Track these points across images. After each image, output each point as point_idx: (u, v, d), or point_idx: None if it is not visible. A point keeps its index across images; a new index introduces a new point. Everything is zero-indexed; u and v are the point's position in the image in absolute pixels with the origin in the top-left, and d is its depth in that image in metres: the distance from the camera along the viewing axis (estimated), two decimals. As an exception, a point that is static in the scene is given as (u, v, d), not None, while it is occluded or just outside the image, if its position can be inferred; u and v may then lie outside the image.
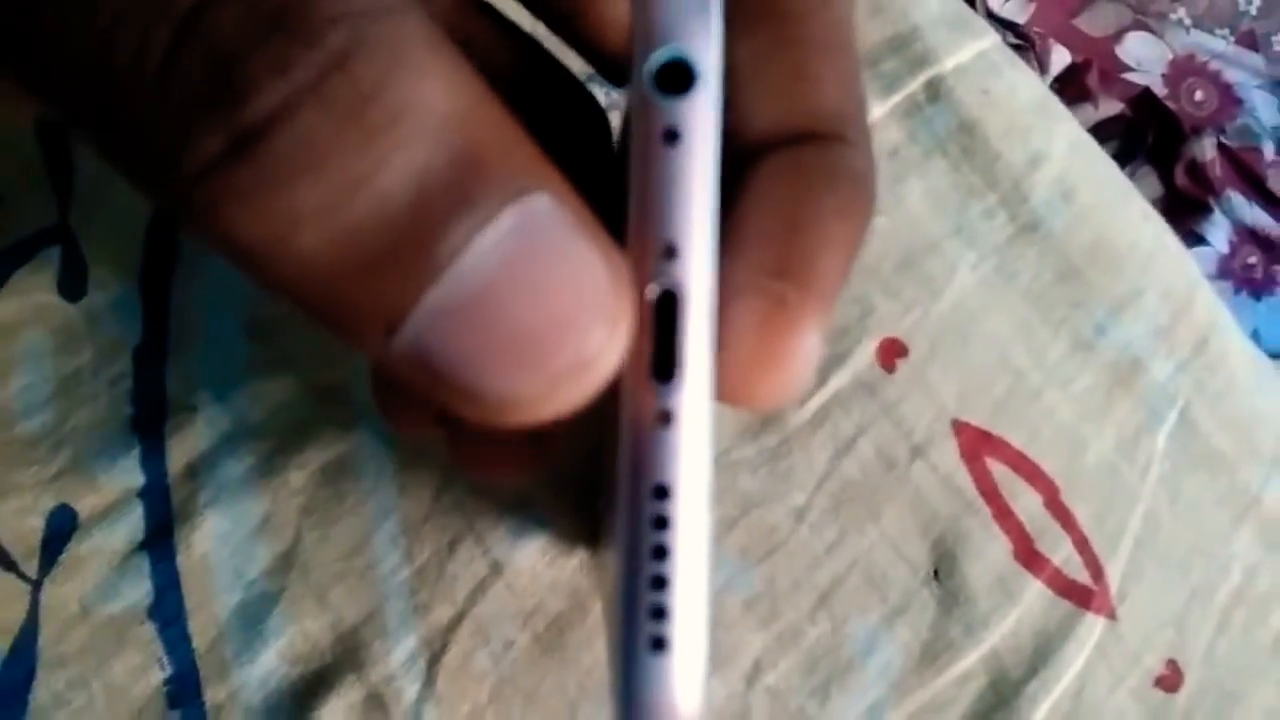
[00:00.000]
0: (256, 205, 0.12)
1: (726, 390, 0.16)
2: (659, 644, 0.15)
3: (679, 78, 0.15)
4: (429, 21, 0.12)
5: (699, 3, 0.15)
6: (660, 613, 0.15)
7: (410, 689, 0.27)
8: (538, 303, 0.13)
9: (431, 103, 0.12)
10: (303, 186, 0.12)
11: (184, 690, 0.26)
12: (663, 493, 0.15)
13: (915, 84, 0.35)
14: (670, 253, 0.15)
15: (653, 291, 0.15)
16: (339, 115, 0.12)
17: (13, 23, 0.12)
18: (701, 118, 0.15)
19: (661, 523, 0.15)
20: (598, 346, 0.13)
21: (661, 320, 0.15)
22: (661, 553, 0.15)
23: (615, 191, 0.16)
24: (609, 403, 0.18)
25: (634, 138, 0.15)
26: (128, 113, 0.12)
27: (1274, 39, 0.66)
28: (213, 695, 0.26)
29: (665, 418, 0.15)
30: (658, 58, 0.15)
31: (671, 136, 0.15)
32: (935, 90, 0.35)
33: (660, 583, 0.15)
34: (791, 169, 0.17)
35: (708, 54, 0.15)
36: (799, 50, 0.18)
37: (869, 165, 0.18)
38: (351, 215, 0.12)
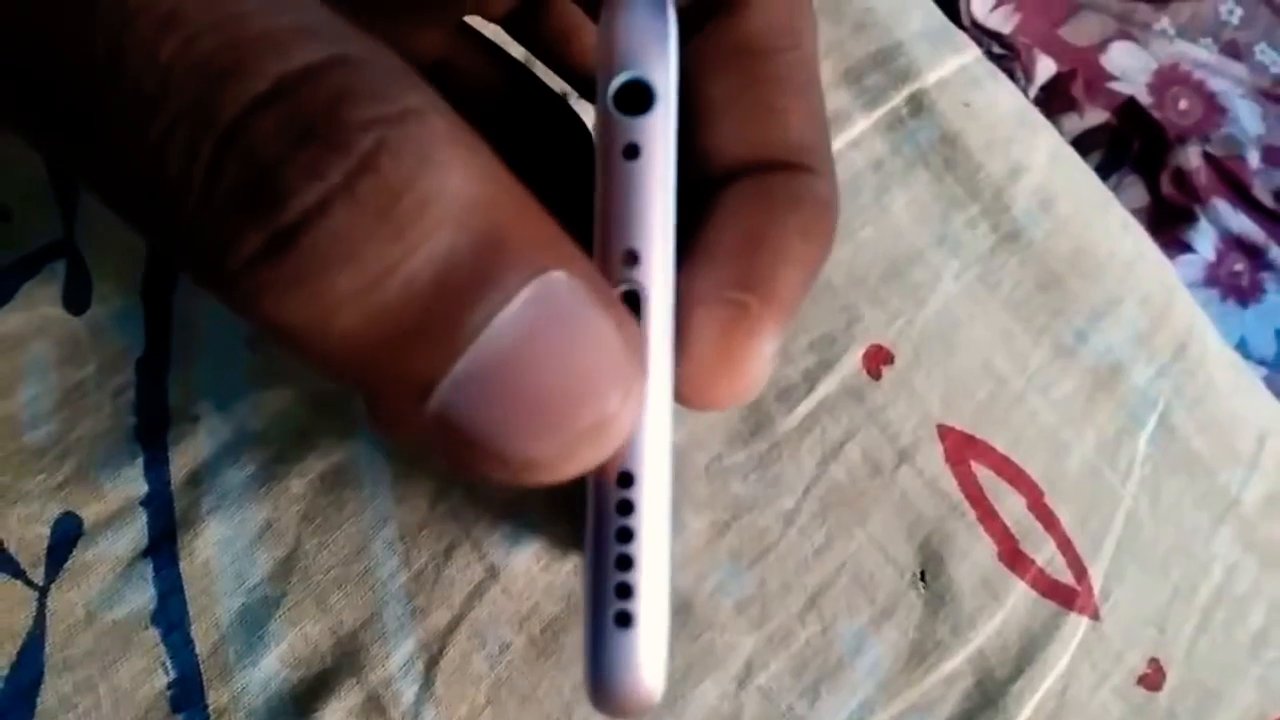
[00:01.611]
0: (296, 294, 0.13)
1: (688, 391, 0.17)
2: (624, 619, 0.17)
3: (638, 99, 0.16)
4: (453, 116, 0.13)
5: (657, 32, 0.16)
6: (626, 591, 0.17)
7: (409, 691, 0.27)
8: (557, 371, 0.14)
9: (455, 192, 0.13)
10: (338, 275, 0.13)
11: (187, 694, 0.27)
12: (628, 480, 0.16)
13: (898, 98, 0.36)
14: (632, 258, 0.16)
15: (617, 294, 0.16)
16: (370, 211, 0.13)
17: (72, 136, 0.13)
18: (659, 134, 0.16)
19: (626, 507, 0.16)
20: (615, 409, 0.14)
21: None
22: (627, 535, 0.17)
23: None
24: None
25: (597, 153, 0.16)
26: (176, 215, 0.13)
27: (1256, 49, 0.67)
28: (215, 699, 0.27)
29: None
30: (619, 80, 0.16)
31: (632, 151, 0.16)
32: (918, 104, 0.36)
33: (625, 562, 0.17)
34: (758, 192, 0.18)
35: (665, 77, 0.16)
36: (768, 87, 0.19)
37: (832, 193, 0.19)
38: (384, 298, 0.13)
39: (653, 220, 0.16)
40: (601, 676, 0.17)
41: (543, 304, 0.14)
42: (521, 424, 0.14)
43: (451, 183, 0.13)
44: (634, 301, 0.16)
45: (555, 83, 0.25)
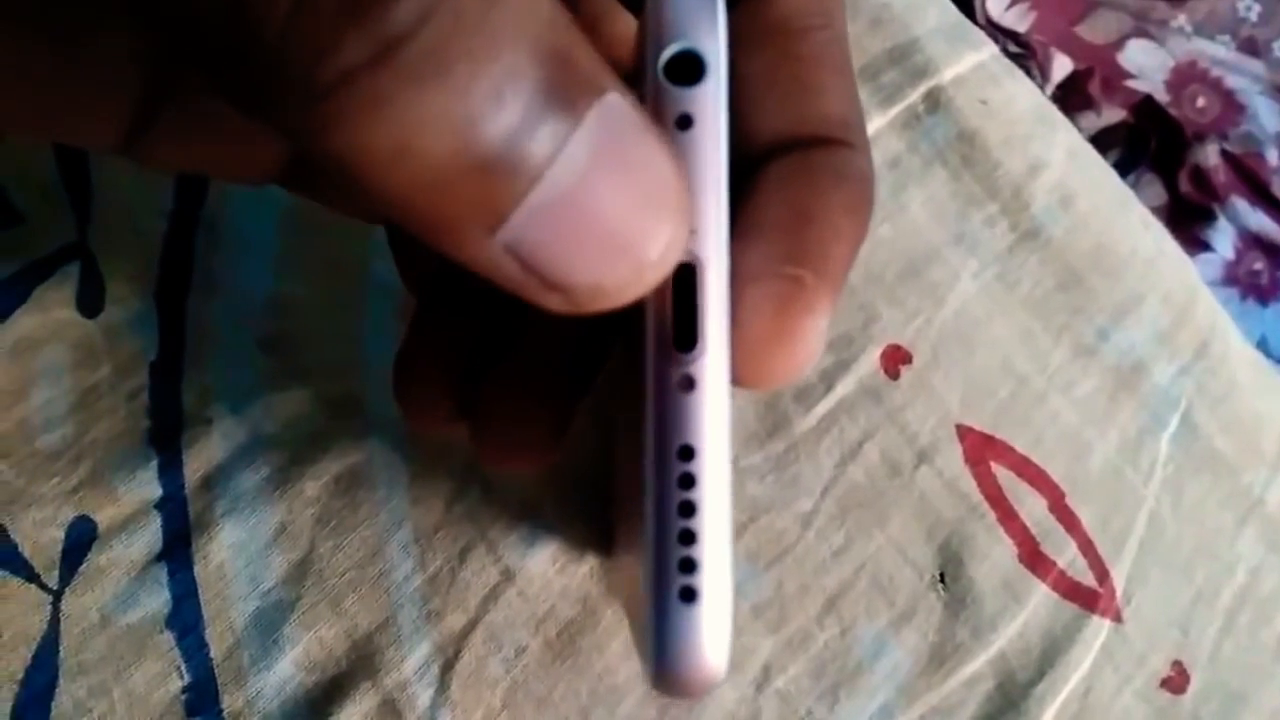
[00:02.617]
0: (388, 112, 0.12)
1: (743, 368, 0.17)
2: (689, 594, 0.16)
3: (689, 69, 0.16)
4: None
5: (705, 3, 0.16)
6: (690, 566, 0.16)
7: (424, 695, 0.27)
8: (623, 195, 0.14)
9: (534, 8, 0.13)
10: (433, 91, 0.12)
11: (202, 698, 0.27)
12: (688, 453, 0.16)
13: (915, 95, 0.35)
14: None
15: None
16: (469, 22, 0.12)
17: None
18: (711, 104, 0.16)
19: (688, 481, 0.16)
20: (672, 234, 0.15)
21: (679, 294, 0.16)
22: (689, 509, 0.16)
23: None
24: (619, 411, 0.19)
25: None
26: (263, 27, 0.12)
27: (1274, 45, 0.66)
28: (230, 703, 0.27)
29: (688, 383, 0.16)
30: (669, 52, 0.16)
31: (685, 122, 0.16)
32: (935, 101, 0.35)
33: (689, 537, 0.16)
34: (801, 168, 0.18)
35: (715, 47, 0.16)
36: (805, 65, 0.19)
37: (870, 169, 0.19)
38: (470, 119, 0.12)
39: (707, 191, 0.16)
40: (666, 655, 0.16)
41: (606, 128, 0.14)
42: (590, 252, 0.14)
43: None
44: (689, 274, 0.16)
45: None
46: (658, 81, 0.16)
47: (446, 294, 0.23)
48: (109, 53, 0.17)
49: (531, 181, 0.13)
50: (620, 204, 0.14)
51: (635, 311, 0.17)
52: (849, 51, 0.20)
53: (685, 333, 0.16)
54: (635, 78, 0.17)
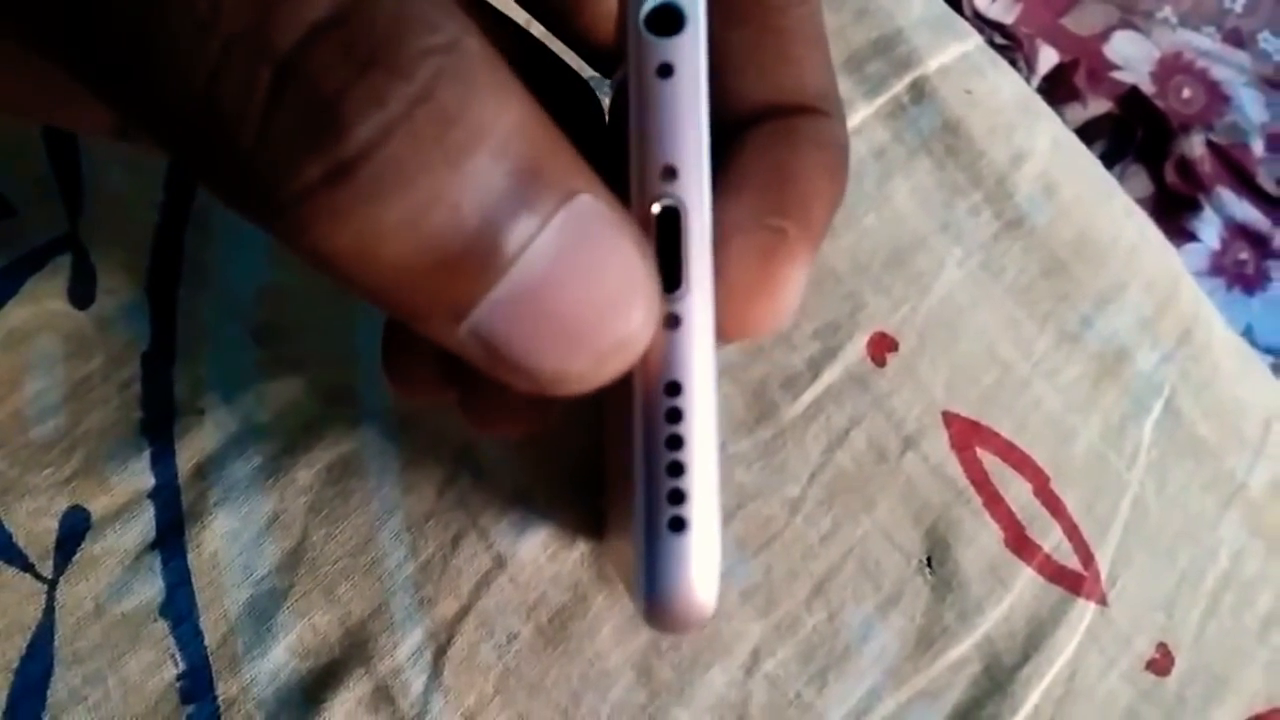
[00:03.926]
0: (348, 223, 0.13)
1: (727, 317, 0.18)
2: (678, 524, 0.17)
3: (670, 21, 0.17)
4: (490, 46, 0.14)
5: None
6: (679, 496, 0.17)
7: (417, 681, 0.28)
8: (585, 291, 0.15)
9: (498, 121, 0.13)
10: (392, 203, 0.13)
11: (196, 685, 0.27)
12: (675, 389, 0.17)
13: (900, 85, 0.36)
14: (670, 173, 0.17)
15: (656, 209, 0.17)
16: (426, 140, 0.13)
17: (119, 63, 0.13)
18: (691, 52, 0.17)
19: (675, 415, 0.17)
20: (639, 324, 0.15)
21: (664, 237, 0.17)
22: (677, 442, 0.17)
23: (610, 162, 0.17)
24: (611, 396, 0.19)
25: (631, 76, 0.17)
26: (230, 147, 0.13)
27: (1260, 36, 0.66)
28: (225, 690, 0.27)
29: (674, 321, 0.17)
30: (650, 4, 0.17)
31: (666, 70, 0.17)
32: (920, 91, 0.36)
33: (677, 469, 0.17)
34: (783, 132, 0.19)
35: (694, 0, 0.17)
36: (784, 37, 0.20)
37: (846, 137, 0.20)
38: (431, 226, 0.13)
39: (688, 135, 0.17)
40: (656, 585, 0.17)
41: (573, 227, 0.14)
42: (553, 342, 0.15)
43: (495, 110, 0.13)
44: (673, 217, 0.17)
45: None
46: (639, 33, 0.17)
47: None
48: None
49: (496, 277, 0.14)
50: (582, 300, 0.15)
51: None
52: (824, 26, 0.21)
53: (670, 273, 0.17)
54: (619, 34, 0.18)
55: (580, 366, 0.15)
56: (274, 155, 0.13)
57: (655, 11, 0.17)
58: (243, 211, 0.14)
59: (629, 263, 0.15)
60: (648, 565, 0.17)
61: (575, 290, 0.14)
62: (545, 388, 0.15)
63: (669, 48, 0.17)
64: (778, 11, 0.20)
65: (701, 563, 0.17)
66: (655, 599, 0.17)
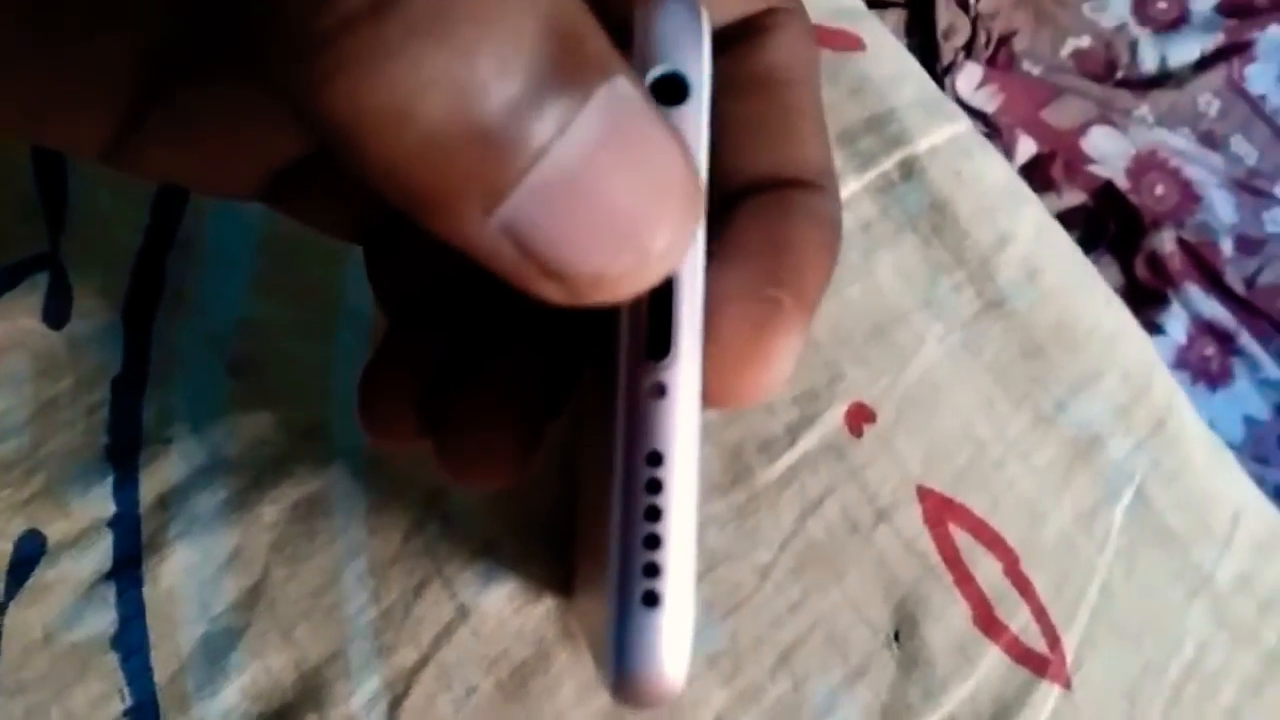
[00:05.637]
0: (388, 68, 0.12)
1: (718, 385, 0.17)
2: (652, 599, 0.16)
3: (674, 90, 0.17)
4: None
5: (691, 28, 0.17)
6: (654, 570, 0.16)
7: (371, 731, 0.27)
8: (633, 181, 0.14)
9: None
10: (435, 49, 0.12)
11: (142, 723, 0.26)
12: (656, 459, 0.17)
13: (890, 162, 0.36)
14: None
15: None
16: None
17: None
18: (693, 123, 0.17)
19: (655, 486, 0.16)
20: (679, 226, 0.14)
21: (655, 304, 0.17)
22: (655, 514, 0.16)
23: None
24: (586, 431, 0.19)
25: None
26: None
27: (1233, 140, 0.68)
28: (171, 729, 0.26)
29: (659, 390, 0.17)
30: (655, 73, 0.17)
31: None
32: (909, 169, 0.36)
33: (654, 541, 0.16)
34: (780, 204, 0.19)
35: (699, 71, 0.17)
36: (787, 113, 0.20)
37: (840, 212, 0.20)
38: (473, 84, 0.12)
39: None
40: (626, 659, 0.16)
41: (614, 110, 0.13)
42: (595, 237, 0.14)
43: None
44: (664, 285, 0.16)
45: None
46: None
47: (420, 315, 0.23)
48: (101, 53, 0.17)
49: (534, 159, 0.13)
50: (626, 189, 0.13)
51: (608, 320, 0.17)
52: (823, 104, 0.21)
53: (658, 340, 0.17)
54: None
55: (622, 267, 0.14)
56: None
57: (660, 80, 0.17)
58: (264, 66, 0.12)
59: (673, 155, 0.14)
60: (617, 639, 0.16)
61: (618, 179, 0.13)
62: (580, 293, 0.14)
63: (672, 117, 0.17)
64: (782, 88, 0.20)
65: (672, 641, 0.16)
66: (623, 674, 0.17)
